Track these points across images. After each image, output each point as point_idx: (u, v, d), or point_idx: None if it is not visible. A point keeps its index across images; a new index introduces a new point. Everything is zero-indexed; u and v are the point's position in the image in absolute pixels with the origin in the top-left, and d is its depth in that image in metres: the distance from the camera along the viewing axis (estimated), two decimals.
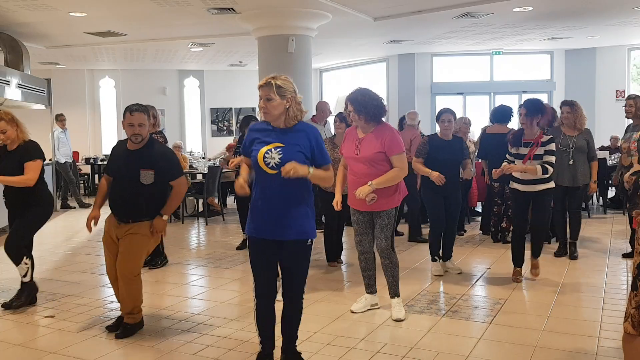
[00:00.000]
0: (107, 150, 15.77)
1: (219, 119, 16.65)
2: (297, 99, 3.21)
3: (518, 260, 5.45)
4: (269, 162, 3.13)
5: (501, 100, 12.34)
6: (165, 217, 4.13)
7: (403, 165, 4.27)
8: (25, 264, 4.71)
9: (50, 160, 10.54)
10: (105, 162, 14.27)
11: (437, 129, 5.83)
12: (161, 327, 4.34)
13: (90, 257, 6.92)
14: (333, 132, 7.89)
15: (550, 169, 5.09)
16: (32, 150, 4.61)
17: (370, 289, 4.63)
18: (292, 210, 3.17)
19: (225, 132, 16.58)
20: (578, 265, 6.04)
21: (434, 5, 8.82)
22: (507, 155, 5.34)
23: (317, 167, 3.19)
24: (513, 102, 11.62)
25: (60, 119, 11.25)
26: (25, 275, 4.74)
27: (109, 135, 16.10)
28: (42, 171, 4.71)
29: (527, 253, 5.50)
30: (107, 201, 4.21)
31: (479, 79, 14.30)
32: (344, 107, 4.47)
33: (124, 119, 4.06)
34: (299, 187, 3.17)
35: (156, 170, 4.04)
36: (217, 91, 16.33)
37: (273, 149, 3.14)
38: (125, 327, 4.15)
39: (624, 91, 13.24)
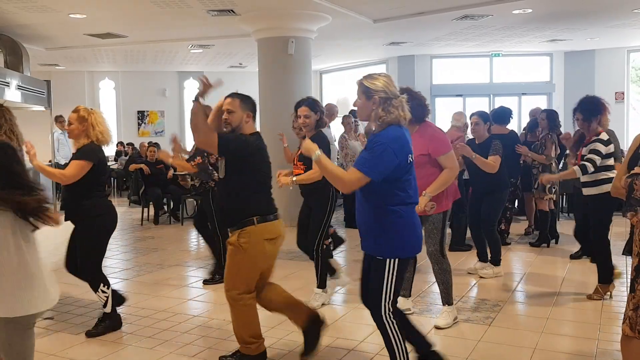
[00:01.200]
0: (106, 151, 15.73)
1: None
2: (392, 102, 2.96)
3: (603, 273, 4.98)
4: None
5: (500, 102, 12.35)
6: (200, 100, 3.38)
7: (452, 164, 4.11)
8: (104, 292, 4.25)
9: (50, 162, 10.54)
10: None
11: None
12: (160, 329, 4.34)
13: None
14: (333, 135, 7.87)
15: (590, 167, 4.72)
16: (82, 150, 4.16)
17: (403, 291, 4.49)
18: (366, 222, 3.03)
19: None
20: (577, 267, 6.05)
21: (433, 7, 8.82)
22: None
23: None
24: (512, 104, 11.64)
25: (59, 120, 11.26)
26: (105, 305, 4.29)
27: None
28: (98, 177, 4.24)
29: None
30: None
31: (478, 80, 14.30)
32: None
33: None
34: (368, 198, 2.98)
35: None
36: (217, 92, 16.21)
37: None
38: (235, 355, 3.63)
39: (623, 93, 13.25)
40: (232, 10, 8.52)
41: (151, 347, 3.97)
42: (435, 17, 9.34)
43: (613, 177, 4.65)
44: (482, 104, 14.08)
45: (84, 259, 4.23)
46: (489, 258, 5.77)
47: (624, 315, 2.81)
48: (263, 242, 3.44)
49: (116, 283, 5.78)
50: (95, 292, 4.27)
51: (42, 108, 10.78)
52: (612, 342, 3.87)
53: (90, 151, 4.18)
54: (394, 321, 3.03)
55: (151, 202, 9.83)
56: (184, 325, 4.39)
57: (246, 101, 3.59)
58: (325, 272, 4.89)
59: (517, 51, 13.49)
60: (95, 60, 13.77)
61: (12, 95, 9.23)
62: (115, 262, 6.71)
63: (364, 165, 2.88)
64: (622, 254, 6.33)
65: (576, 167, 4.77)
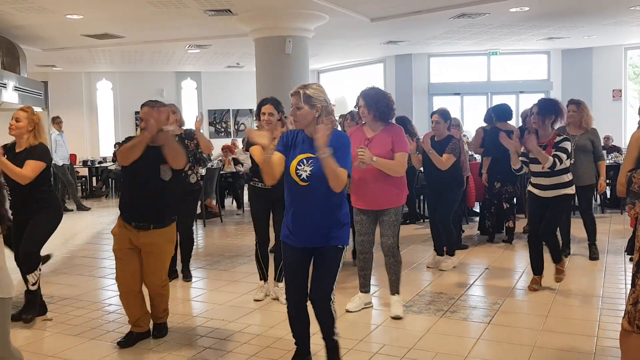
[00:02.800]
0: (104, 152, 15.77)
1: (216, 121, 16.65)
2: (328, 109, 3.24)
3: (535, 268, 5.17)
4: (301, 174, 3.17)
5: (498, 100, 12.35)
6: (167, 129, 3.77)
7: (403, 162, 4.35)
8: (39, 269, 4.47)
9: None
10: (102, 165, 14.28)
11: None
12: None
13: (88, 259, 6.91)
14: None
15: (558, 163, 4.74)
16: (38, 151, 4.37)
17: (365, 288, 4.70)
18: (323, 219, 3.19)
19: (223, 133, 16.58)
20: (576, 265, 6.05)
21: (430, 6, 8.83)
22: (522, 157, 5.07)
23: None
24: (510, 102, 11.62)
25: (57, 121, 11.24)
26: (35, 284, 4.45)
27: (106, 137, 16.09)
28: (49, 175, 4.60)
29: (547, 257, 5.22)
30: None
31: (476, 79, 14.31)
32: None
33: None
34: (330, 197, 3.18)
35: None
36: (214, 93, 16.33)
37: (305, 160, 3.17)
38: (160, 327, 4.16)
39: (620, 91, 13.27)
40: (229, 10, 8.52)
41: (150, 348, 3.96)
42: (433, 16, 9.35)
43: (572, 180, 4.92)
44: (479, 103, 14.11)
45: (36, 245, 4.47)
46: (445, 250, 6.03)
47: (624, 310, 2.82)
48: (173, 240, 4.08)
49: (114, 283, 5.77)
50: (31, 273, 4.44)
51: (39, 109, 10.76)
52: (612, 340, 3.86)
53: (45, 152, 4.46)
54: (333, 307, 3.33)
55: None
56: (183, 326, 4.38)
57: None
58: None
59: (515, 49, 13.51)
60: (92, 61, 13.75)
61: (10, 96, 9.23)
62: (112, 263, 6.68)
63: (347, 163, 3.19)
64: (625, 251, 6.34)
65: (550, 158, 4.72)
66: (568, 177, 4.90)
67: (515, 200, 8.63)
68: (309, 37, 9.35)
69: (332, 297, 3.26)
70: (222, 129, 16.65)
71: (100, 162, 14.48)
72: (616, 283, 5.32)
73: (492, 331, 4.16)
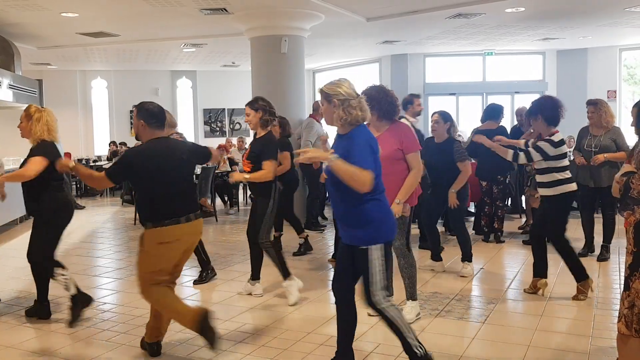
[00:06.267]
0: (99, 151, 15.72)
1: (211, 120, 16.62)
2: (350, 103, 3.13)
3: (534, 269, 5.06)
4: (324, 169, 3.26)
5: (493, 100, 12.36)
6: None
7: (419, 165, 4.19)
8: (62, 275, 4.32)
9: None
10: (97, 163, 14.22)
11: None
12: None
13: (83, 258, 6.89)
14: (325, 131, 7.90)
15: (523, 157, 4.81)
16: (40, 147, 4.29)
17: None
18: (345, 215, 3.20)
19: (218, 132, 16.56)
20: None
21: (426, 6, 8.83)
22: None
23: None
24: (505, 102, 11.67)
25: None
26: (68, 289, 4.32)
27: (101, 136, 16.05)
28: (49, 172, 4.26)
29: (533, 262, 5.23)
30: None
31: (471, 79, 14.33)
32: None
33: None
34: (349, 192, 3.04)
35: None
36: (210, 92, 16.30)
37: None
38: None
39: (615, 91, 13.31)
40: (224, 9, 8.50)
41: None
42: (429, 16, 9.35)
43: (567, 178, 4.81)
44: (475, 103, 14.13)
45: (38, 254, 4.37)
46: (462, 256, 5.82)
47: (619, 313, 2.81)
48: (156, 245, 3.61)
49: (109, 282, 5.76)
50: (52, 278, 4.36)
51: None
52: (606, 339, 3.88)
53: (46, 148, 4.34)
54: (389, 303, 3.22)
55: None
56: (178, 325, 4.37)
57: (139, 109, 3.75)
58: (283, 263, 4.97)
59: (510, 50, 13.53)
60: (87, 59, 13.71)
61: (4, 94, 9.18)
62: (108, 262, 6.68)
63: (366, 162, 3.02)
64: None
65: (510, 151, 4.93)
66: (559, 175, 4.77)
67: (510, 200, 8.64)
68: (305, 36, 9.34)
69: (375, 298, 3.15)
70: (217, 128, 16.62)
71: (94, 161, 14.44)
72: (610, 283, 5.35)
73: (487, 330, 4.17)
